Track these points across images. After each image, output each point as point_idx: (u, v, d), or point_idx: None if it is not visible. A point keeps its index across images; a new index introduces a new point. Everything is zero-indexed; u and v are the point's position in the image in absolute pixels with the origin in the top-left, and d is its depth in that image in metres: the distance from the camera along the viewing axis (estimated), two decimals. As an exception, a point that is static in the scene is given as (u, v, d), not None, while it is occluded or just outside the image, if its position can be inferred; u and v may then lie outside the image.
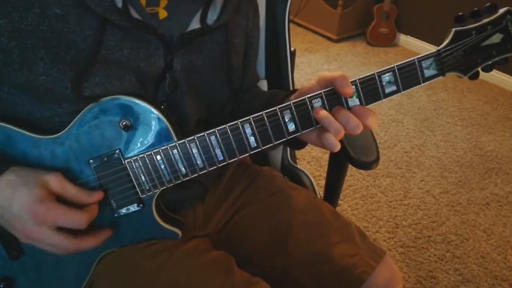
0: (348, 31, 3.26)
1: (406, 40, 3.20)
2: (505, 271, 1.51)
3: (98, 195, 0.57)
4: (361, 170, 1.89)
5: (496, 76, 2.73)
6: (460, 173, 1.97)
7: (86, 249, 0.57)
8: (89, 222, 0.55)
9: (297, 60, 1.03)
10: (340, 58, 3.02)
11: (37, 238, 0.54)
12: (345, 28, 3.22)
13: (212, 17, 0.64)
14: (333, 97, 0.57)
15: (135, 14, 0.57)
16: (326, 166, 0.99)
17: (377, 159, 0.83)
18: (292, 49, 0.96)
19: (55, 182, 0.54)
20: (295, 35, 3.31)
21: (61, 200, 0.55)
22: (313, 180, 0.99)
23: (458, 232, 1.66)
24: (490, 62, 0.60)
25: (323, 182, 1.02)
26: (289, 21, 0.92)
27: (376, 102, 0.59)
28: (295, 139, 0.65)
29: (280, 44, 0.94)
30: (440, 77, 0.59)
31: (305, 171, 1.01)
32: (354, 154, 0.83)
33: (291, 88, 0.98)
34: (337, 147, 0.56)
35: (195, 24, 0.63)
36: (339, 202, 1.73)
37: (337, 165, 0.95)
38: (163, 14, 0.61)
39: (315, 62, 2.95)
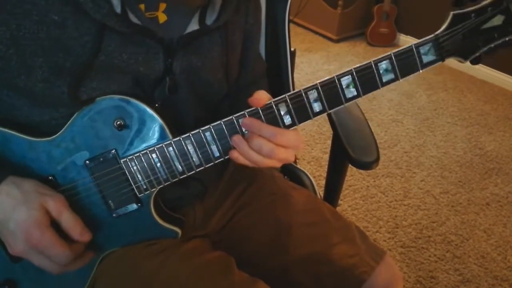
0: (348, 31, 3.26)
1: (406, 40, 3.19)
2: (505, 271, 1.51)
3: (87, 236, 0.57)
4: (361, 170, 1.88)
5: (496, 76, 2.73)
6: (460, 173, 1.96)
7: (70, 271, 0.58)
8: (71, 260, 0.56)
9: (297, 60, 1.03)
10: (340, 58, 3.02)
11: (25, 257, 0.55)
12: (345, 28, 3.22)
13: (211, 17, 0.64)
14: (329, 87, 0.57)
15: (134, 19, 0.56)
16: (326, 166, 0.99)
17: (377, 159, 0.82)
18: (292, 49, 0.96)
19: (54, 207, 0.54)
20: (295, 35, 3.31)
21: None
22: (313, 180, 0.98)
23: (458, 232, 1.66)
24: (492, 45, 0.57)
25: (323, 182, 1.02)
26: (289, 21, 0.92)
27: (375, 91, 0.58)
28: None
29: (280, 44, 0.93)
30: (440, 63, 0.57)
31: (305, 171, 1.00)
32: (354, 154, 0.83)
33: (291, 88, 0.98)
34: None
35: (194, 25, 0.63)
36: (339, 202, 1.73)
37: (337, 165, 0.95)
38: (162, 18, 0.61)
39: (315, 62, 2.95)
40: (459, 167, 2.01)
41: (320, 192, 0.99)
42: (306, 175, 1.00)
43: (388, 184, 1.88)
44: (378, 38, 3.18)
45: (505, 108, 2.50)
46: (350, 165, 0.87)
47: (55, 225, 0.55)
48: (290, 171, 1.02)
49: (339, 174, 0.96)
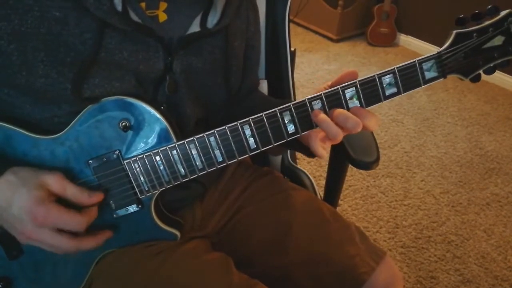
0: (348, 31, 3.26)
1: (406, 40, 3.19)
2: (506, 271, 1.51)
3: (98, 196, 0.57)
4: (361, 170, 1.88)
5: (496, 76, 2.73)
6: (461, 173, 1.96)
7: (86, 250, 0.57)
8: (88, 224, 0.55)
9: (297, 60, 1.03)
10: (340, 58, 3.02)
11: (37, 239, 0.54)
12: (345, 28, 3.22)
13: (212, 20, 0.64)
14: (333, 99, 0.57)
15: (134, 17, 0.57)
16: (326, 166, 0.99)
17: (377, 159, 0.82)
18: (292, 49, 0.96)
19: (55, 182, 0.54)
20: (295, 35, 3.31)
21: (61, 200, 0.55)
22: (313, 180, 0.98)
23: (458, 232, 1.66)
24: (491, 65, 0.59)
25: (323, 182, 1.02)
26: (289, 21, 0.92)
27: (377, 104, 0.59)
28: (304, 145, 0.64)
29: (280, 44, 0.93)
30: (441, 79, 0.59)
31: (305, 171, 1.01)
32: (354, 154, 0.83)
33: (291, 88, 0.98)
34: (323, 156, 0.58)
35: (195, 27, 0.63)
36: (339, 202, 1.73)
37: (337, 165, 0.95)
38: (163, 17, 0.61)
39: (315, 62, 2.95)
40: (459, 167, 2.01)
41: (320, 192, 0.99)
42: (306, 175, 1.00)
43: (388, 184, 1.88)
44: (378, 38, 3.18)
45: (505, 108, 2.50)
46: (350, 165, 0.87)
47: (61, 202, 0.54)
48: (290, 171, 1.02)
49: (339, 174, 0.96)
